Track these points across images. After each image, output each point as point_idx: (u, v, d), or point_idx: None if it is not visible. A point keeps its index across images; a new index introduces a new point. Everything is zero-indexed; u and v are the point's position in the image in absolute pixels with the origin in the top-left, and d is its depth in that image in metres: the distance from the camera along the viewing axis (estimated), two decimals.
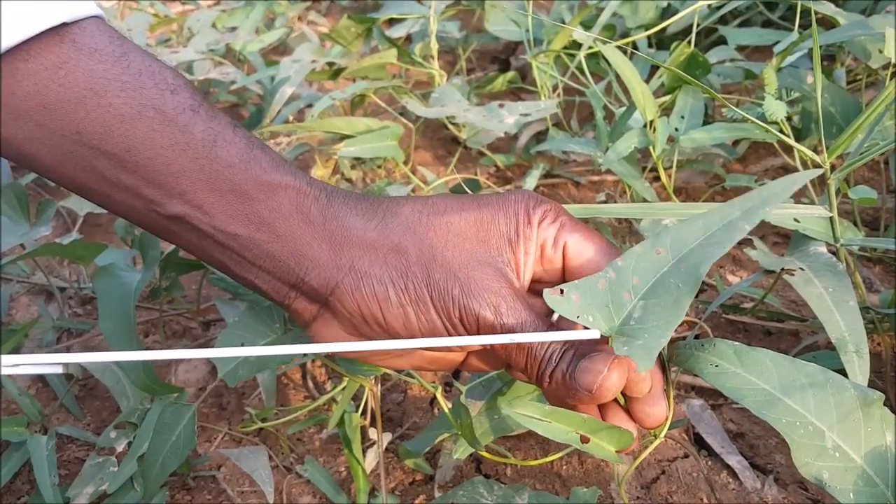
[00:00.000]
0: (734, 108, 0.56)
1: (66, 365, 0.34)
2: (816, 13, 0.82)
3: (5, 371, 0.33)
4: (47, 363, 0.34)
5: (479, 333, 0.37)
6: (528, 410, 0.38)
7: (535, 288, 0.41)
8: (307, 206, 0.38)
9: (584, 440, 0.38)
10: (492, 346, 0.37)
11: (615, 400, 0.40)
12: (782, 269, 0.55)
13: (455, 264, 0.37)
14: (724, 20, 1.10)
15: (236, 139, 0.38)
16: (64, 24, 0.36)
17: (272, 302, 0.41)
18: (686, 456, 0.61)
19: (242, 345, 0.46)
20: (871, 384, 0.62)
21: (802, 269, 0.55)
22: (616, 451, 0.39)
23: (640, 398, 0.38)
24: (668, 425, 0.39)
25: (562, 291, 0.37)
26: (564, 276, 0.40)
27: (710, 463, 0.61)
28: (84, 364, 0.69)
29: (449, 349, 0.39)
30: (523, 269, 0.39)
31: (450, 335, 0.38)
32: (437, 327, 0.38)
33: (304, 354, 0.56)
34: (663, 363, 0.39)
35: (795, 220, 0.57)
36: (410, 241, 0.38)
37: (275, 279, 0.39)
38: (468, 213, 0.39)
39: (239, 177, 0.37)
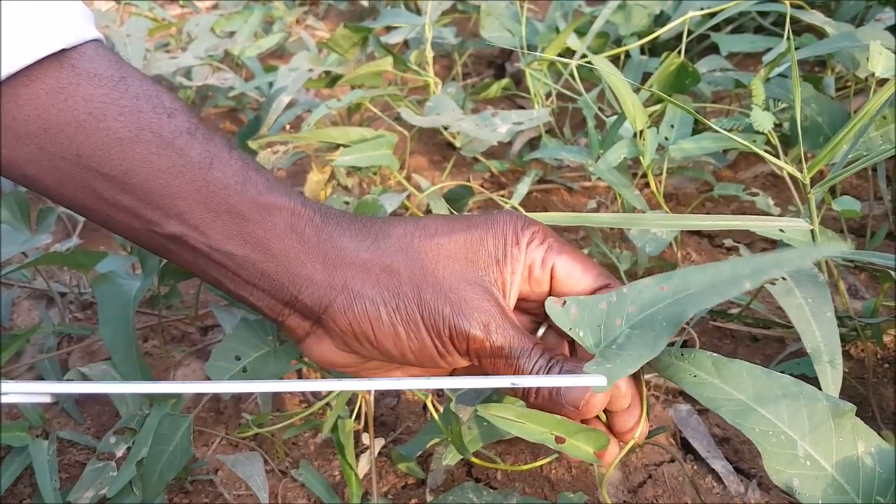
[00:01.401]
0: (713, 124, 0.57)
1: (54, 395, 0.35)
2: (803, 21, 0.83)
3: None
4: (36, 392, 0.34)
5: (468, 351, 0.39)
6: (503, 412, 0.39)
7: (522, 306, 0.42)
8: (301, 227, 0.39)
9: (560, 440, 0.40)
10: (479, 361, 0.39)
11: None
12: None
13: (446, 284, 0.38)
14: (716, 26, 1.11)
15: (232, 161, 0.39)
16: (63, 50, 0.37)
17: (266, 318, 0.42)
18: (672, 460, 0.63)
19: (237, 357, 0.47)
20: (853, 390, 0.64)
21: (784, 279, 0.56)
22: (594, 452, 0.41)
23: (619, 412, 0.39)
24: (644, 436, 0.41)
25: (564, 303, 0.38)
26: (551, 295, 0.41)
27: (695, 467, 0.62)
28: (83, 369, 0.71)
29: (436, 363, 0.40)
30: (510, 288, 0.40)
31: (440, 353, 0.39)
32: (427, 346, 0.39)
33: (297, 366, 0.58)
34: (640, 379, 0.40)
35: (781, 230, 0.58)
36: (402, 262, 0.39)
37: (269, 297, 0.40)
38: (458, 234, 0.40)
39: (235, 198, 0.39)
